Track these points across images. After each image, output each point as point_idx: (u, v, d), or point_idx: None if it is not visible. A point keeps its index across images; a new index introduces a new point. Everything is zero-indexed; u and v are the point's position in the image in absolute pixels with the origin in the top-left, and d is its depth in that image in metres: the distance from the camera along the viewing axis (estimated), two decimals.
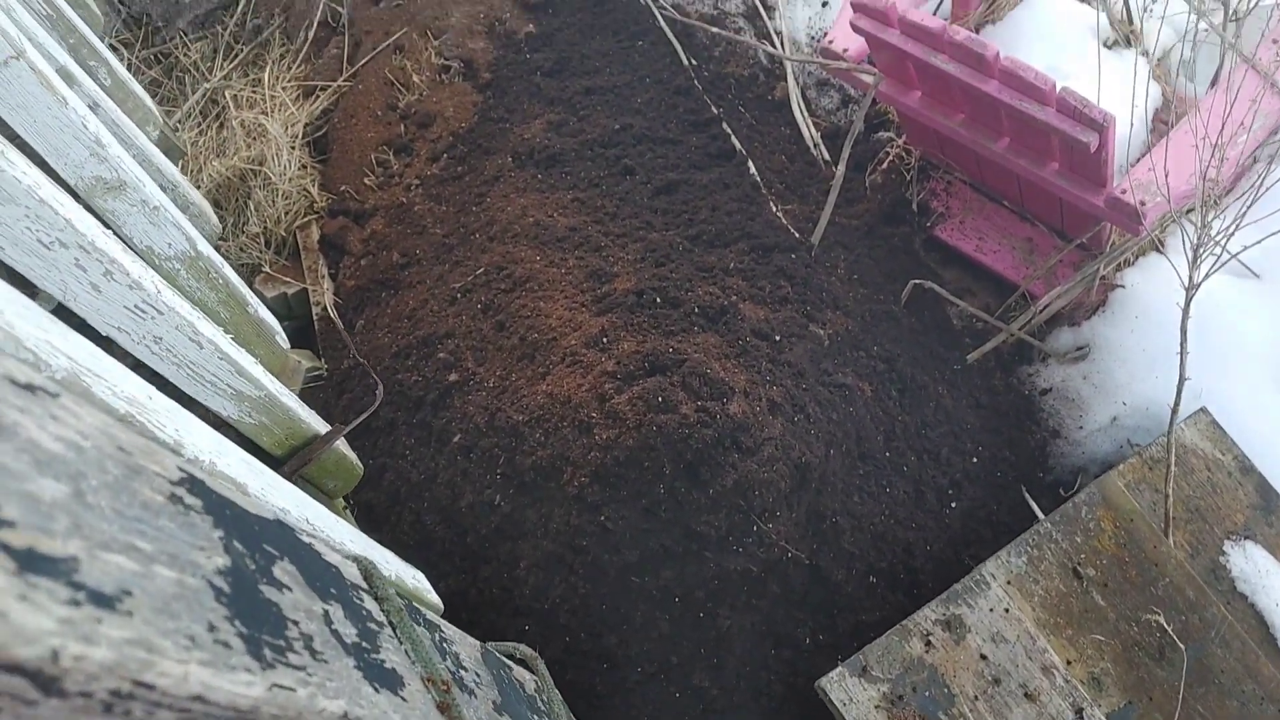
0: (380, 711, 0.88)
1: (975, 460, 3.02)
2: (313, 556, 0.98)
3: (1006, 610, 2.36)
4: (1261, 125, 2.78)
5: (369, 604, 1.08)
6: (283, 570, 0.87)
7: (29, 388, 0.61)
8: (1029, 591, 2.44)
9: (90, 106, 1.96)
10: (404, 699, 0.97)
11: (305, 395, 3.18)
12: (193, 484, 0.79)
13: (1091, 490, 2.62)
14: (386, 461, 3.07)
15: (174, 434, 1.17)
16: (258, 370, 1.84)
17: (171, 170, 2.61)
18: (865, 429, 2.90)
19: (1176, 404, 2.57)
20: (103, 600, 0.57)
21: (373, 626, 1.04)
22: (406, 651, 1.10)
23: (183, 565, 0.68)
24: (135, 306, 1.48)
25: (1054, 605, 2.43)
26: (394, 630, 1.11)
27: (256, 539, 0.86)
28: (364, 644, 0.97)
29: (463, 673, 1.31)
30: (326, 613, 0.92)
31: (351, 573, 1.10)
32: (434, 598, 2.05)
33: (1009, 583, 2.44)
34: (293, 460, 2.00)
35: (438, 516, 2.94)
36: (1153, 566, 2.50)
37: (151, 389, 1.18)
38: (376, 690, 0.91)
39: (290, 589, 0.86)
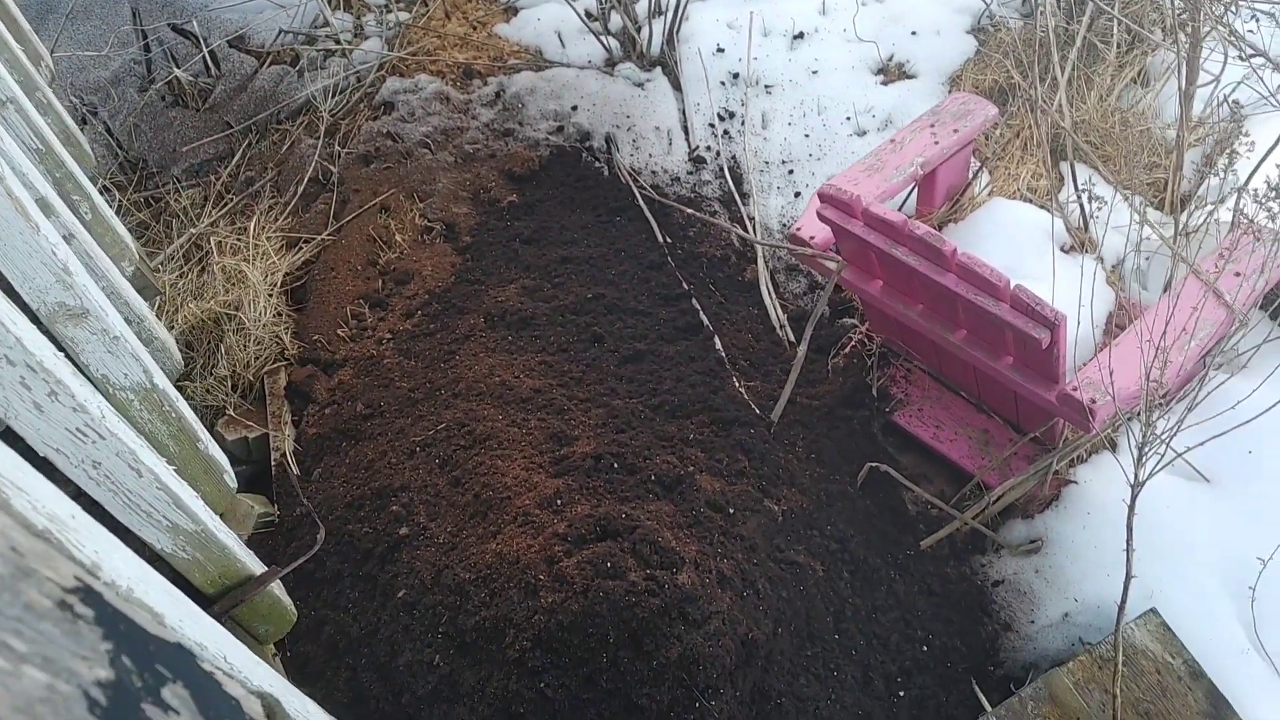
0: None
1: (925, 649, 2.97)
2: (211, 685, 0.96)
3: None
4: (1207, 333, 2.88)
5: None
6: (173, 693, 0.85)
7: None
8: None
9: (65, 237, 2.02)
10: None
11: (255, 541, 3.13)
12: (87, 594, 0.78)
13: (1038, 685, 2.58)
14: (328, 614, 3.00)
15: (92, 554, 1.15)
16: (197, 504, 1.83)
17: (140, 305, 2.65)
18: (815, 609, 2.87)
19: (1124, 601, 2.57)
20: None
21: None
22: None
23: (57, 671, 0.67)
24: (77, 429, 1.48)
25: None
26: None
27: (149, 659, 0.84)
28: None
29: None
30: None
31: (254, 708, 1.07)
32: None
33: None
34: (224, 600, 1.96)
35: (374, 674, 2.86)
36: None
37: (76, 508, 1.17)
38: None
39: (178, 712, 0.84)
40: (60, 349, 1.58)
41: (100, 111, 4.73)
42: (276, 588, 2.24)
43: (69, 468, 1.52)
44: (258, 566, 2.17)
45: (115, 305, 2.10)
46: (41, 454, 1.48)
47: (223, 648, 1.45)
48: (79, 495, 1.63)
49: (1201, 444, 2.68)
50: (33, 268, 1.75)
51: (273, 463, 3.53)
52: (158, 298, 3.52)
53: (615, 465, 3.01)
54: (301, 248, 4.21)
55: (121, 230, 3.05)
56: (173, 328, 3.68)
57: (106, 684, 0.74)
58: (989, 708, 2.75)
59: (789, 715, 2.70)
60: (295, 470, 3.46)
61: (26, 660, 0.64)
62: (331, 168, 4.47)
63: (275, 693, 1.15)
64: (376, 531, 3.09)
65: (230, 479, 2.52)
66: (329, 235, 4.23)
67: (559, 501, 2.89)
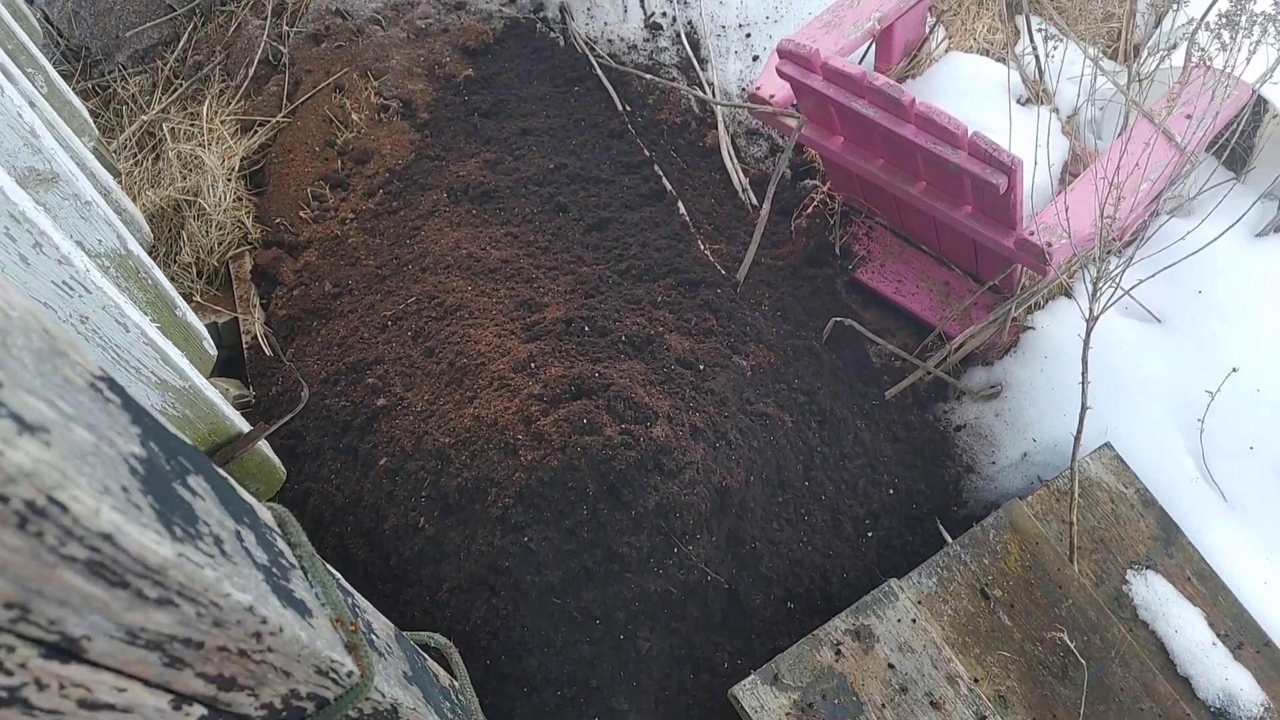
0: (286, 621, 0.91)
1: (891, 492, 3.10)
2: (227, 487, 1.02)
3: (914, 621, 2.43)
4: (1159, 174, 2.95)
5: (281, 545, 1.11)
6: (197, 483, 0.91)
7: None
8: (939, 611, 2.50)
9: (29, 103, 2.00)
10: (310, 625, 1.00)
11: None
12: (113, 385, 0.83)
13: (999, 515, 2.71)
14: (311, 486, 3.07)
15: None
16: (183, 361, 1.86)
17: (106, 177, 2.63)
18: (785, 458, 2.97)
19: (1079, 432, 2.68)
20: (23, 423, 0.60)
21: (284, 562, 1.07)
22: (317, 594, 1.13)
23: (100, 435, 0.71)
24: (63, 283, 1.50)
25: (963, 625, 2.50)
26: (305, 574, 1.14)
27: (173, 449, 0.89)
28: (274, 569, 1.00)
29: (374, 637, 1.33)
30: (238, 532, 0.95)
31: (266, 516, 1.13)
32: None
33: (919, 603, 2.51)
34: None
35: (361, 540, 2.94)
36: (1056, 588, 2.58)
37: (81, 340, 1.21)
38: (284, 606, 0.94)
39: (203, 499, 0.90)
40: None
41: None
42: (264, 447, 2.30)
43: (58, 323, 1.54)
44: (244, 425, 2.22)
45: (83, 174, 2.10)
46: None
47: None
48: None
49: (1152, 276, 2.78)
50: (0, 131, 1.74)
51: (244, 345, 3.55)
52: (118, 178, 3.48)
53: (586, 328, 3.06)
54: (257, 131, 4.16)
55: (79, 104, 3.01)
56: None
57: (141, 459, 0.79)
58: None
59: (763, 558, 2.82)
60: (266, 346, 3.49)
61: (74, 420, 0.68)
62: (281, 48, 4.38)
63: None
64: (354, 404, 3.14)
65: (210, 346, 2.55)
66: (284, 117, 4.18)
67: (533, 365, 2.94)
